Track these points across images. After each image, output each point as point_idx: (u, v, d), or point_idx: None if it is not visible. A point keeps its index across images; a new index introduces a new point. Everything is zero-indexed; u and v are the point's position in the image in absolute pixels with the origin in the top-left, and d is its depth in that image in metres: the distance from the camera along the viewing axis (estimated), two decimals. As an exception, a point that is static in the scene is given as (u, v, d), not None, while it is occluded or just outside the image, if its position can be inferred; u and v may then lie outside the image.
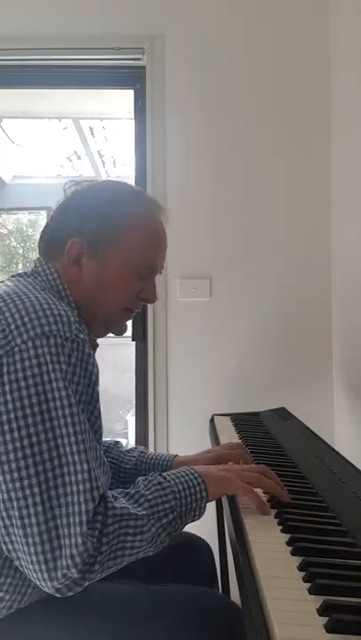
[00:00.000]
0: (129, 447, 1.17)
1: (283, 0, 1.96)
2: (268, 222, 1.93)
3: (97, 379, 0.79)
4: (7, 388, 0.70)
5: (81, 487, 0.68)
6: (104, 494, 0.72)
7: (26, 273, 0.92)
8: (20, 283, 0.85)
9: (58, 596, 0.68)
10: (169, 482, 0.79)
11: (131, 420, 3.72)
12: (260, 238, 1.93)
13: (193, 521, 0.81)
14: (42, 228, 0.98)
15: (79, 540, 0.66)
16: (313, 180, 1.93)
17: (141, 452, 1.14)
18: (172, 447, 1.87)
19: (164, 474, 0.81)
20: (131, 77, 2.02)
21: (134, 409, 2.01)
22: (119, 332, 0.99)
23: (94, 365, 0.79)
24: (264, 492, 0.82)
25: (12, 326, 0.73)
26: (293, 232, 1.93)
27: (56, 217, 0.95)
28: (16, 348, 0.71)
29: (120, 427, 4.26)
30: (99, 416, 0.80)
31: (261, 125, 1.94)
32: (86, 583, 0.68)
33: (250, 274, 1.92)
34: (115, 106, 2.69)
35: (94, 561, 0.67)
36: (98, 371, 0.80)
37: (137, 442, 1.96)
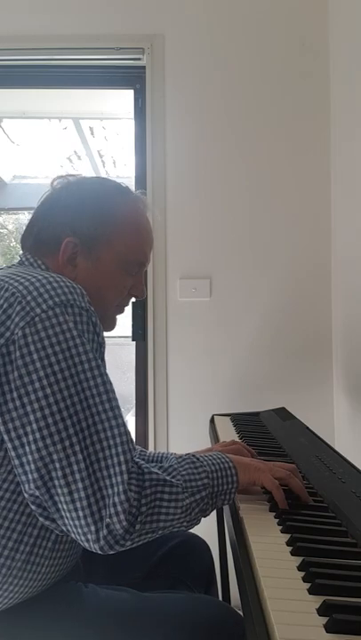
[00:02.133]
0: None
1: (283, 0, 1.96)
2: (269, 222, 1.93)
3: (104, 348, 0.82)
4: (35, 356, 0.71)
5: (118, 440, 0.71)
6: (138, 462, 0.74)
7: (13, 265, 0.91)
8: (14, 268, 0.85)
9: (100, 553, 0.69)
10: (202, 462, 0.81)
11: (131, 419, 3.71)
12: (261, 238, 1.93)
13: (223, 504, 0.81)
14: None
15: (120, 489, 0.68)
16: (313, 180, 1.93)
17: (141, 450, 1.15)
18: (173, 447, 1.87)
19: (196, 454, 0.83)
20: (131, 77, 2.02)
21: (134, 409, 2.01)
22: (110, 328, 1.00)
23: (103, 337, 0.82)
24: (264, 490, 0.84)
25: (29, 297, 0.74)
26: (293, 232, 1.93)
27: (44, 213, 0.94)
28: (37, 318, 0.72)
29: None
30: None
31: (261, 125, 1.94)
32: (128, 543, 0.70)
33: (250, 274, 1.92)
34: (115, 106, 2.69)
35: (135, 520, 0.69)
36: (105, 344, 0.82)
37: (137, 442, 1.96)
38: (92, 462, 0.70)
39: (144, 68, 1.96)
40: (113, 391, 0.75)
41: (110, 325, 1.00)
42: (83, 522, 0.68)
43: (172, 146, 1.94)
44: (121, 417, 0.73)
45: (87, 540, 0.69)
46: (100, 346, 0.79)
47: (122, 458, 0.70)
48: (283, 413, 1.52)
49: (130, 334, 1.96)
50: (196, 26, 1.95)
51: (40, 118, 3.24)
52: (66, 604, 0.83)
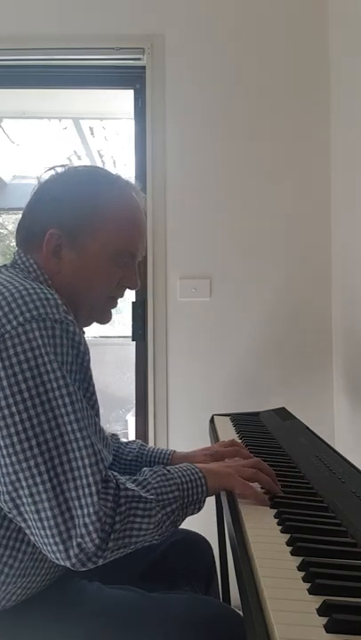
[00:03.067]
0: (128, 440, 1.18)
1: (283, 0, 1.96)
2: (269, 222, 1.93)
3: (89, 358, 0.80)
4: (2, 374, 0.70)
5: (86, 461, 0.70)
6: (115, 477, 0.74)
7: (5, 265, 0.90)
8: (1, 274, 0.84)
9: (72, 569, 0.69)
10: (172, 474, 0.81)
11: (131, 419, 3.72)
12: (261, 238, 1.93)
13: (193, 514, 0.82)
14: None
15: (91, 510, 0.68)
16: (313, 180, 1.93)
17: (141, 444, 1.16)
18: (172, 447, 1.86)
19: (167, 467, 0.83)
20: (131, 77, 2.02)
21: (134, 409, 2.01)
22: (104, 321, 0.98)
23: (85, 345, 0.79)
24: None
25: (0, 313, 0.73)
26: (294, 232, 1.93)
27: (31, 207, 0.93)
28: (6, 335, 0.71)
29: (120, 427, 4.26)
30: (94, 392, 0.81)
31: (261, 125, 1.94)
32: (100, 560, 0.70)
33: (250, 274, 1.92)
34: (115, 106, 2.69)
35: (108, 538, 0.69)
36: (88, 349, 0.80)
37: (137, 442, 1.96)
38: (60, 482, 0.69)
39: (144, 68, 1.96)
40: (82, 409, 0.73)
41: (104, 318, 0.97)
42: (51, 540, 0.68)
43: (172, 146, 1.94)
44: (89, 436, 0.72)
45: (57, 559, 0.69)
46: (77, 357, 0.77)
47: (91, 479, 0.69)
48: (283, 413, 1.52)
49: (130, 334, 1.96)
50: (196, 26, 1.95)
51: (40, 118, 3.24)
52: (66, 604, 0.83)
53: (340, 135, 1.85)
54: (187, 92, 1.95)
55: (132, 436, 3.41)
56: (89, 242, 0.89)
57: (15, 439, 0.69)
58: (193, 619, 0.81)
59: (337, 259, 1.89)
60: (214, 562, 1.18)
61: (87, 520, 0.67)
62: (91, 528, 0.67)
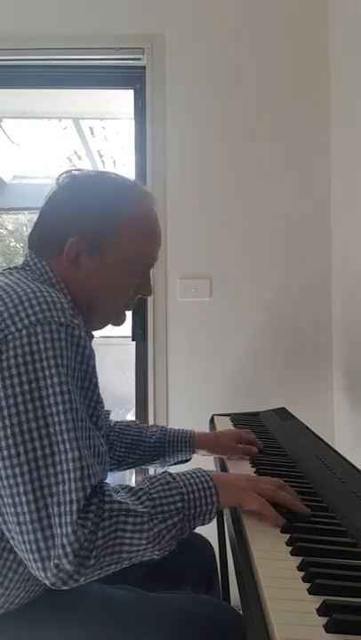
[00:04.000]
0: (149, 424, 1.20)
1: (283, 0, 1.96)
2: (269, 222, 1.93)
3: (94, 363, 0.79)
4: (0, 375, 0.69)
5: (72, 475, 0.67)
6: (102, 487, 0.71)
7: (16, 267, 0.90)
8: (11, 276, 0.84)
9: (53, 588, 0.67)
10: (177, 482, 0.76)
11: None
12: (261, 238, 1.93)
13: (203, 524, 0.77)
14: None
15: (69, 530, 0.64)
16: (313, 180, 1.93)
17: (162, 427, 1.17)
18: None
19: (173, 473, 0.78)
20: (131, 77, 2.02)
21: (134, 409, 2.01)
22: (119, 323, 0.98)
23: (91, 350, 0.78)
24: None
25: (6, 314, 0.73)
26: (294, 232, 1.93)
27: (49, 211, 0.92)
28: (10, 336, 0.71)
29: (120, 427, 4.25)
30: (98, 401, 0.80)
31: (261, 125, 1.94)
32: (82, 579, 0.66)
33: (250, 274, 1.92)
34: (115, 106, 2.68)
35: (89, 555, 0.65)
36: (94, 356, 0.79)
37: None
38: (43, 496, 0.66)
39: (144, 68, 1.96)
40: (78, 419, 0.70)
41: (118, 321, 0.98)
42: (31, 556, 0.65)
43: (172, 146, 1.94)
44: (79, 448, 0.68)
45: (38, 576, 0.67)
46: (81, 363, 0.75)
47: (74, 495, 0.65)
48: (283, 413, 1.52)
49: (130, 334, 1.96)
50: (196, 26, 1.95)
51: (40, 118, 3.24)
52: (66, 604, 0.83)
53: (340, 135, 1.85)
54: (187, 92, 1.95)
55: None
56: (108, 251, 0.89)
57: (3, 443, 0.67)
58: (192, 618, 0.81)
59: (337, 259, 1.89)
60: (215, 562, 1.18)
61: (65, 540, 0.64)
62: (68, 549, 0.64)
